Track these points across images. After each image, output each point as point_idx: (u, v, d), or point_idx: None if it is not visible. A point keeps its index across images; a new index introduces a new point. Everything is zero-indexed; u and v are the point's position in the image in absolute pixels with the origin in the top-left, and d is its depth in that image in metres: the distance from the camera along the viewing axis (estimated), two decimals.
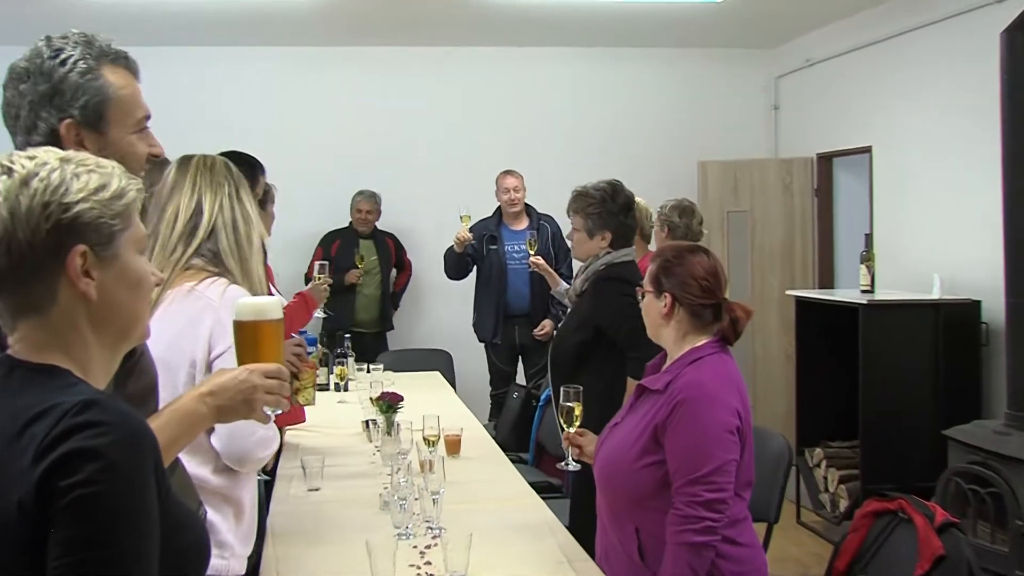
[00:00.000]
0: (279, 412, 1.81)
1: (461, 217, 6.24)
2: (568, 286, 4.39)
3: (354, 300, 7.03)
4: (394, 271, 7.38)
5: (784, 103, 7.79)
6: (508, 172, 6.61)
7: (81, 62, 1.72)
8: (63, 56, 1.73)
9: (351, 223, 7.21)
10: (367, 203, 7.17)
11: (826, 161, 7.32)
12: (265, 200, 4.00)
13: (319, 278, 4.47)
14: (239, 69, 7.47)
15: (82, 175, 1.33)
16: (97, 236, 1.32)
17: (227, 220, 2.38)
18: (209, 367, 2.24)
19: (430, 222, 7.34)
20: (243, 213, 2.41)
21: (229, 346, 2.04)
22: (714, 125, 7.78)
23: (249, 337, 1.82)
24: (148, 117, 1.80)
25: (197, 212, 2.38)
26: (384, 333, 7.25)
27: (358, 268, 6.91)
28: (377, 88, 7.58)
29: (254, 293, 2.29)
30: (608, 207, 3.69)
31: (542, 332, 6.40)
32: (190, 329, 2.25)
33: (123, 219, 1.36)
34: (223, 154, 2.59)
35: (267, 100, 7.50)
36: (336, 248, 7.10)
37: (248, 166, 3.24)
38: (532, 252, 5.61)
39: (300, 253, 7.15)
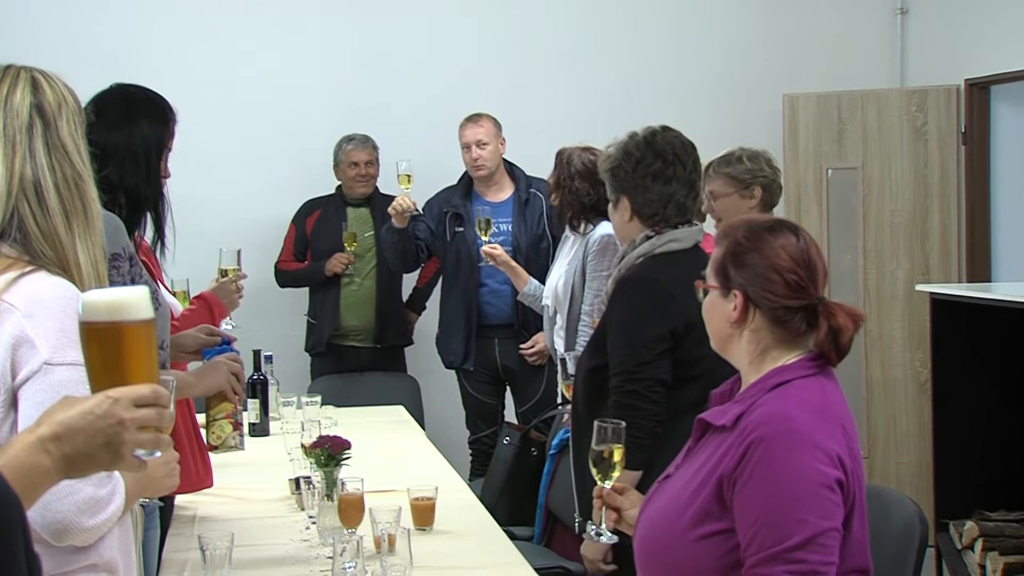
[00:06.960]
0: (156, 456, 1.62)
1: (399, 177, 5.45)
2: (540, 285, 4.64)
3: (338, 297, 6.03)
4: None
5: (916, 4, 7.05)
6: (473, 119, 5.68)
7: None
8: None
9: (339, 188, 6.16)
10: (363, 151, 5.99)
11: (980, 91, 6.59)
12: None
13: (228, 271, 3.95)
14: None
15: None
16: None
17: (42, 176, 1.95)
18: (14, 401, 1.88)
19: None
20: (67, 161, 1.97)
21: (43, 364, 1.83)
22: (807, 39, 6.98)
23: (108, 347, 1.57)
24: None
25: None
26: (392, 350, 6.20)
27: (347, 251, 5.90)
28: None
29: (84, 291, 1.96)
30: (617, 161, 3.45)
31: (531, 351, 5.54)
32: None
33: None
34: (112, 89, 2.85)
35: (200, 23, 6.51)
36: (314, 223, 6.04)
37: (153, 109, 3.05)
38: (485, 239, 5.16)
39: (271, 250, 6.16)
